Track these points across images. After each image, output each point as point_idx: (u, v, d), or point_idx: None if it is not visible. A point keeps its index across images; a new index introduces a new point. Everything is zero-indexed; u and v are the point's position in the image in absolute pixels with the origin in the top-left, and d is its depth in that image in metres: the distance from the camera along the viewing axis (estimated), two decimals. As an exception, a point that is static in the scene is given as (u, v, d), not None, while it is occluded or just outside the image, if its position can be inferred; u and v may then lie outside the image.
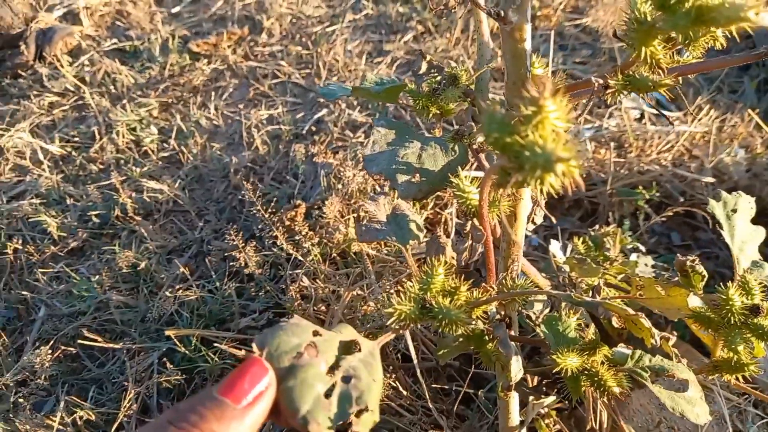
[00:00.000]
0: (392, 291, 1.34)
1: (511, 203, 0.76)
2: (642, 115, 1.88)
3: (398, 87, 0.94)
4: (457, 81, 0.87)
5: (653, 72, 0.58)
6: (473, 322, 0.73)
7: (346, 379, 0.49)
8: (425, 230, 1.62)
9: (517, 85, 0.71)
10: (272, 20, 2.35)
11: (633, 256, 1.36)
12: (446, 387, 1.23)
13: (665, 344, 0.64)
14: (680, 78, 0.73)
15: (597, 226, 1.56)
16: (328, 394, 0.47)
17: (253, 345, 0.49)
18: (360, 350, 0.55)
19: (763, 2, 0.48)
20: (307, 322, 0.53)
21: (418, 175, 0.90)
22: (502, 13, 0.65)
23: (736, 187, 1.72)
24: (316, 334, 0.52)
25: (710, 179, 1.65)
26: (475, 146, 0.84)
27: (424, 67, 0.97)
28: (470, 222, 0.81)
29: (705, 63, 0.74)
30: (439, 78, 0.93)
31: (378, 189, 1.38)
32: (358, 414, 0.47)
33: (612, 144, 1.74)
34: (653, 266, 1.37)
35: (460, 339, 0.77)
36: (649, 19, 0.54)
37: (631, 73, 0.66)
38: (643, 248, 1.35)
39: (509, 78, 0.72)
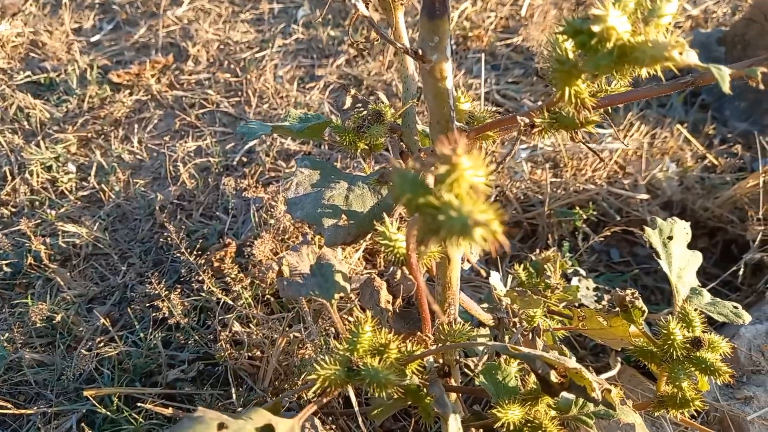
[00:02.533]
0: (330, 331, 1.28)
1: (441, 249, 0.71)
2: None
3: (322, 124, 0.89)
4: (381, 117, 0.82)
5: (578, 111, 0.54)
6: (407, 379, 0.68)
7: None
8: (365, 262, 1.57)
9: (441, 124, 0.67)
10: (198, 47, 2.26)
11: (574, 280, 1.35)
12: (392, 430, 1.17)
13: (608, 395, 0.60)
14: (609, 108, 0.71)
15: (537, 250, 1.54)
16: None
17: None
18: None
19: (686, 41, 0.45)
20: (213, 414, 0.47)
21: (345, 217, 0.84)
22: (421, 51, 0.60)
23: (670, 202, 1.74)
24: (221, 427, 0.46)
25: (644, 196, 1.66)
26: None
27: (348, 102, 0.92)
28: (399, 270, 0.76)
29: (633, 92, 0.72)
30: (364, 113, 0.88)
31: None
32: None
33: (548, 164, 1.74)
34: (595, 289, 1.35)
35: (395, 397, 0.72)
36: (571, 58, 0.51)
37: (557, 110, 0.63)
38: (583, 272, 1.33)
39: (432, 117, 0.67)
